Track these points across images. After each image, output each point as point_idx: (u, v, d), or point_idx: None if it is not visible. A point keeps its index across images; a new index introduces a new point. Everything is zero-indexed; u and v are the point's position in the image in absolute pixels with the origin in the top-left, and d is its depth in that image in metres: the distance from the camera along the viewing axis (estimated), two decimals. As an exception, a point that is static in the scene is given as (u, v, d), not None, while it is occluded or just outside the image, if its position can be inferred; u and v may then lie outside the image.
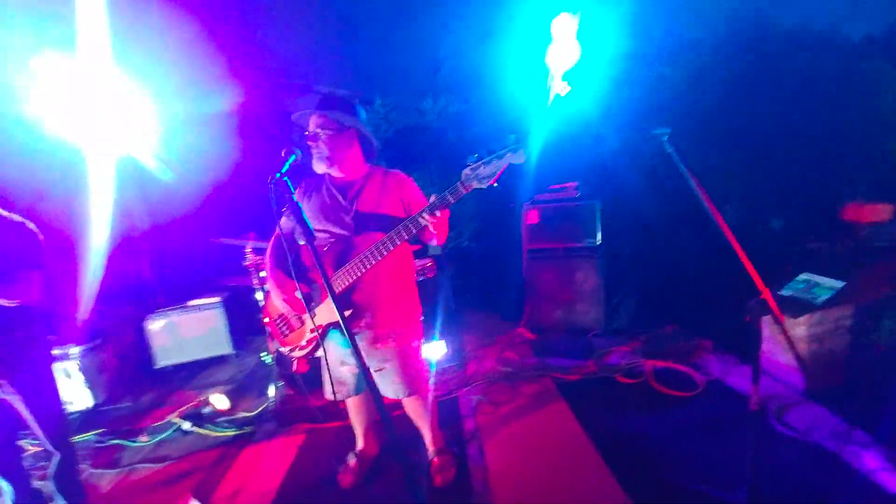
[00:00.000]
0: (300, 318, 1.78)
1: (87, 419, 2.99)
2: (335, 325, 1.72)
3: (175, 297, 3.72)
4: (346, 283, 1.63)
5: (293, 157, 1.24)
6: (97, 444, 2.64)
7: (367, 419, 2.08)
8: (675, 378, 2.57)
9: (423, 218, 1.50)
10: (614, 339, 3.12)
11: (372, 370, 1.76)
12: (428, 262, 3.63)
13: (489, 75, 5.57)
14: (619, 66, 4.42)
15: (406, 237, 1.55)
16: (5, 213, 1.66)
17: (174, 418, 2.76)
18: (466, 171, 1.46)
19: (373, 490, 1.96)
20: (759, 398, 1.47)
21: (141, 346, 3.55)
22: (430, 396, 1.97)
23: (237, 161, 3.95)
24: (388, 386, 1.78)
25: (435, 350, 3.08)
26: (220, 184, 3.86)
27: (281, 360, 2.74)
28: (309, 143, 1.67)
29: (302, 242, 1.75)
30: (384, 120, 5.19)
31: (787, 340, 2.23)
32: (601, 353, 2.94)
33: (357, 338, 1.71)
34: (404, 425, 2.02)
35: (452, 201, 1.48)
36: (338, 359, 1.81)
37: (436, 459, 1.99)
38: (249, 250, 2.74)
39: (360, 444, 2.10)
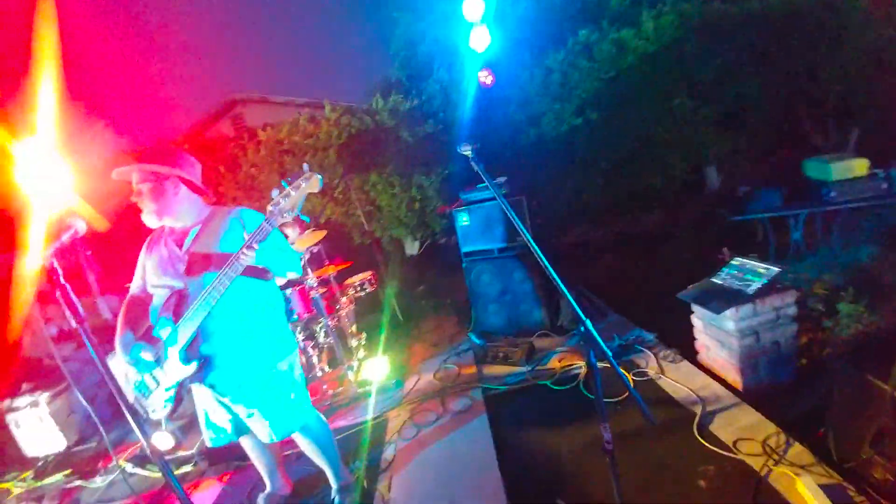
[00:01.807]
0: (154, 377, 1.73)
1: (60, 461, 3.12)
2: (192, 377, 1.65)
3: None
4: (188, 334, 1.58)
5: (63, 238, 1.21)
6: (64, 486, 2.78)
7: (269, 460, 2.04)
8: (609, 380, 2.39)
9: (244, 255, 1.50)
10: (558, 338, 2.95)
11: (243, 417, 1.72)
12: (368, 275, 3.54)
13: (440, 67, 5.29)
14: (551, 56, 4.07)
15: (232, 276, 1.51)
16: None
17: (121, 460, 2.84)
18: (270, 207, 1.52)
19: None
20: (609, 436, 1.32)
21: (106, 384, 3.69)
22: (320, 430, 1.89)
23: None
24: (261, 431, 1.73)
25: (375, 369, 3.01)
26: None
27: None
28: (134, 199, 1.62)
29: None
30: (335, 126, 5.04)
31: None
32: (540, 357, 2.79)
33: (217, 387, 1.67)
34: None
35: (263, 238, 1.51)
36: (210, 405, 1.77)
37: (337, 498, 1.94)
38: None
39: (267, 486, 2.07)
